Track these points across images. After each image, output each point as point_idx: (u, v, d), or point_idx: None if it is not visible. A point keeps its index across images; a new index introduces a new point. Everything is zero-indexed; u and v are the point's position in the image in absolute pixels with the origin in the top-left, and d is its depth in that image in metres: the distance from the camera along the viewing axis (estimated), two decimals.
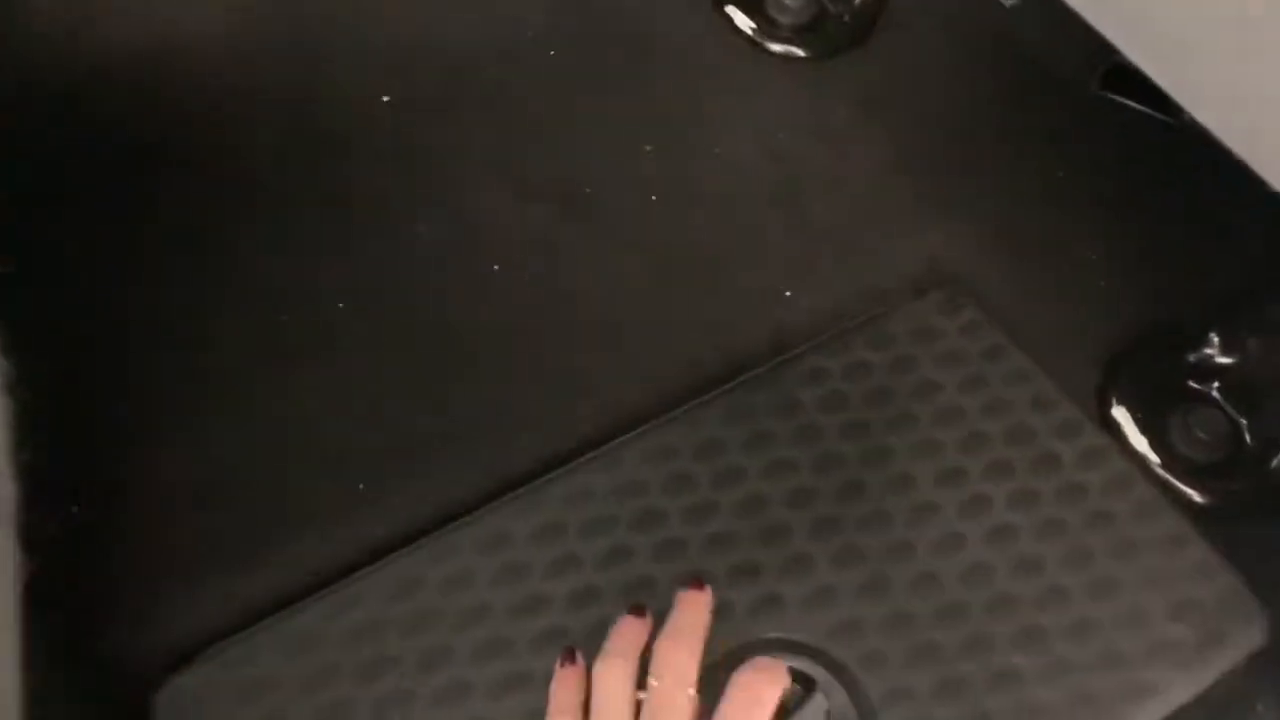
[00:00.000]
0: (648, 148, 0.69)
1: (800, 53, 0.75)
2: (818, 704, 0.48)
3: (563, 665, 0.48)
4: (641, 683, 0.46)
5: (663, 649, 0.46)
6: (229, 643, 0.50)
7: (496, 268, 0.64)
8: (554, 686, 0.47)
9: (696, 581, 0.50)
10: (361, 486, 0.56)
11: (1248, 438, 0.60)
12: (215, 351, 0.60)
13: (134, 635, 0.51)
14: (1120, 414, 0.60)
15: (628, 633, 0.48)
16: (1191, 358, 0.61)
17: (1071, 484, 0.55)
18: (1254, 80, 0.46)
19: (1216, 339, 0.61)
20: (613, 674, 0.45)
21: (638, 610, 0.49)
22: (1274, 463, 0.59)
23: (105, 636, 0.51)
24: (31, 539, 0.42)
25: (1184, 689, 0.50)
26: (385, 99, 0.70)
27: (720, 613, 0.50)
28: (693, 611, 0.48)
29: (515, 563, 0.52)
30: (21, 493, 0.43)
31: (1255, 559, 0.54)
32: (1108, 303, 0.65)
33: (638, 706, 0.45)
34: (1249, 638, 0.52)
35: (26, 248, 0.61)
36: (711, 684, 0.46)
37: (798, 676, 0.49)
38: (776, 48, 0.75)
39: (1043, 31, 0.76)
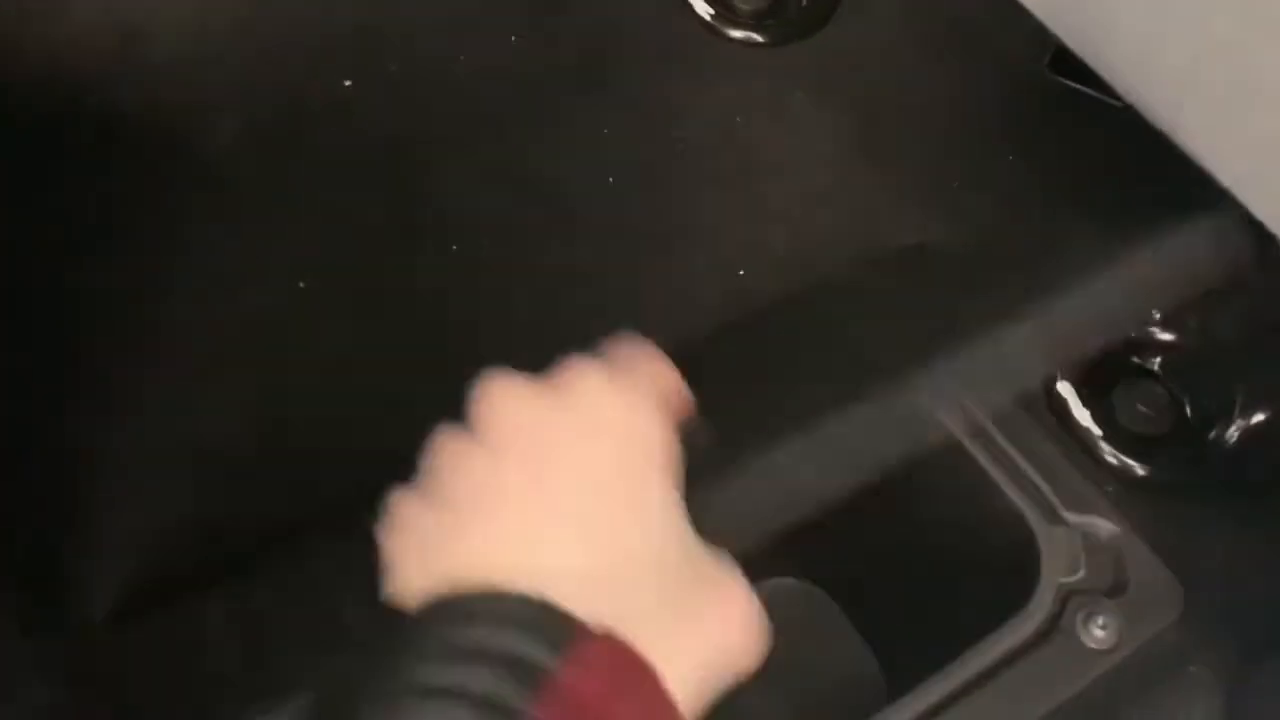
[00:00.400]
0: (605, 131, 0.70)
1: (758, 38, 0.76)
2: None
3: None
4: None
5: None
6: (172, 610, 0.50)
7: (455, 248, 0.64)
8: None
9: None
10: (319, 463, 0.57)
11: (1188, 412, 0.61)
12: (171, 329, 0.60)
13: (72, 603, 0.52)
14: (1064, 388, 0.61)
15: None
16: (1134, 334, 0.63)
17: None
18: (1179, 61, 0.47)
19: (1158, 316, 0.62)
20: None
21: None
22: (1212, 435, 0.60)
23: (45, 602, 0.52)
24: None
25: None
26: (347, 83, 0.70)
27: None
28: None
29: None
30: None
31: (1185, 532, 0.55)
32: (1055, 279, 0.66)
33: None
34: None
35: None
36: None
37: None
38: (735, 34, 0.76)
39: (998, 15, 0.77)
